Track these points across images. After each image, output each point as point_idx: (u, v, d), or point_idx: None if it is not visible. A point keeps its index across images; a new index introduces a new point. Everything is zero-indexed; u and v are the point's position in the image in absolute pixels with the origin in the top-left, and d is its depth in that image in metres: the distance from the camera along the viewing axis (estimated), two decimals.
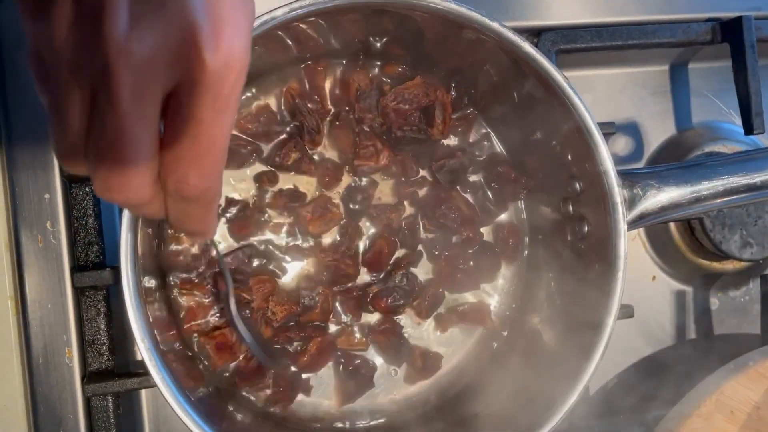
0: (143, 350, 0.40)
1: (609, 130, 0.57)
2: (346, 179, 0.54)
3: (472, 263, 0.55)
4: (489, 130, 0.57)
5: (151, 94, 0.27)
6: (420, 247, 0.55)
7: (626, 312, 0.55)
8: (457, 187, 0.55)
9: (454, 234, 0.55)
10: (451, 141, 0.56)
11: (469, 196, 0.56)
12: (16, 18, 0.50)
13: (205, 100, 0.28)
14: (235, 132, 0.52)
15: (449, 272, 0.55)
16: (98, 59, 0.26)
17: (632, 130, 0.66)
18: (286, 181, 0.53)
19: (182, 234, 0.35)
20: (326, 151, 0.54)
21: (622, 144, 0.66)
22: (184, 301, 0.51)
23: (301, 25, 0.45)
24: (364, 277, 0.54)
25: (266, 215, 0.53)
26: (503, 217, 0.57)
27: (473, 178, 0.56)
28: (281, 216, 0.53)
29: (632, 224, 0.46)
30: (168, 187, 0.29)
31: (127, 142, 0.27)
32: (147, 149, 0.28)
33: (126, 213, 0.40)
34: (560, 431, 0.55)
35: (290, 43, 0.48)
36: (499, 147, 0.57)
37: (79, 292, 0.50)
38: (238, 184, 0.53)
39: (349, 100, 0.53)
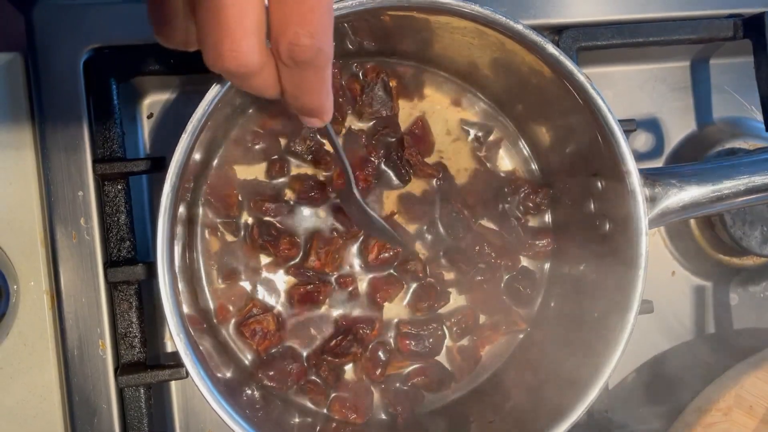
0: (178, 343, 0.42)
1: (630, 127, 0.57)
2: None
3: (507, 291, 0.57)
4: (515, 134, 0.58)
5: None
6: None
7: (646, 307, 0.56)
8: (481, 221, 0.56)
9: (493, 267, 0.56)
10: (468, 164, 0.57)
11: (493, 224, 0.57)
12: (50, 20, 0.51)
13: None
14: (254, 127, 0.53)
15: (483, 300, 0.56)
16: None
17: (653, 126, 0.67)
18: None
19: (302, 116, 0.36)
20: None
21: (643, 140, 0.66)
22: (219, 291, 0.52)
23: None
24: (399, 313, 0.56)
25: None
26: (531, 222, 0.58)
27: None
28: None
29: (653, 222, 0.47)
30: (281, 53, 0.30)
31: (232, 2, 0.28)
32: (253, 10, 0.28)
33: (162, 212, 0.41)
34: (580, 424, 0.56)
35: None
36: (525, 151, 0.58)
37: (111, 286, 0.52)
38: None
39: (354, 94, 0.54)
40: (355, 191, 0.48)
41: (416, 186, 0.56)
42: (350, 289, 0.54)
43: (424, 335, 0.55)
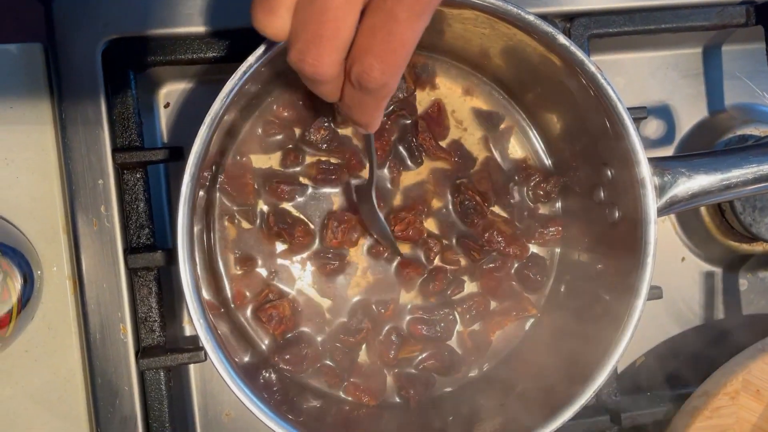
0: (198, 327, 0.43)
1: (641, 114, 0.58)
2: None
3: (518, 278, 0.58)
4: (526, 122, 0.58)
5: None
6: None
7: (655, 293, 0.57)
8: (492, 208, 0.57)
9: (502, 254, 0.57)
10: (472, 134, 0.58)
11: (503, 211, 0.58)
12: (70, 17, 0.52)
13: (406, 1, 0.30)
14: (270, 117, 0.54)
15: (494, 287, 0.57)
16: None
17: (664, 113, 0.67)
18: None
19: (348, 121, 0.40)
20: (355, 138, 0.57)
21: (654, 127, 0.66)
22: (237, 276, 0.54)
23: None
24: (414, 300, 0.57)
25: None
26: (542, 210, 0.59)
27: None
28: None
29: (662, 211, 0.47)
30: (351, 74, 0.33)
31: (332, 18, 0.30)
32: (346, 31, 0.31)
33: (182, 200, 0.43)
34: (589, 407, 0.57)
35: None
36: (536, 139, 0.58)
37: (131, 272, 0.53)
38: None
39: None
40: (373, 193, 0.51)
41: (430, 168, 0.57)
42: (385, 255, 0.56)
43: (435, 320, 0.56)
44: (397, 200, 0.56)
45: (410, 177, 0.57)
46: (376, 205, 0.51)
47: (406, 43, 0.32)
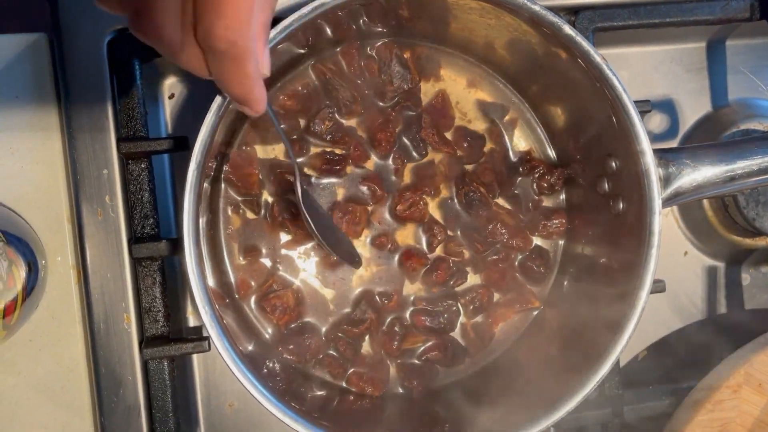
0: (204, 316, 0.43)
1: (645, 108, 0.58)
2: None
3: (521, 270, 0.58)
4: (530, 114, 0.58)
5: None
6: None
7: (658, 287, 0.56)
8: (496, 200, 0.57)
9: (506, 247, 0.57)
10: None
11: (507, 203, 0.58)
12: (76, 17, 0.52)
13: None
14: (275, 107, 0.54)
15: (498, 278, 0.57)
16: None
17: (668, 107, 0.67)
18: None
19: (233, 102, 0.38)
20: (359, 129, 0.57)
21: (658, 121, 0.67)
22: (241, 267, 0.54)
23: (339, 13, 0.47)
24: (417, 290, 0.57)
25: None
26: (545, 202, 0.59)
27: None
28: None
29: (667, 202, 0.48)
30: (198, 39, 0.31)
31: None
32: None
33: (187, 189, 0.43)
34: (591, 400, 0.57)
35: (328, 29, 0.50)
36: (540, 131, 0.58)
37: (136, 262, 0.53)
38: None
39: (372, 74, 0.55)
40: (298, 190, 0.48)
41: (437, 158, 0.57)
42: (389, 246, 0.56)
43: (439, 311, 0.56)
44: (406, 179, 0.57)
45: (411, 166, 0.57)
46: (301, 204, 0.48)
47: None
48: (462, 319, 0.57)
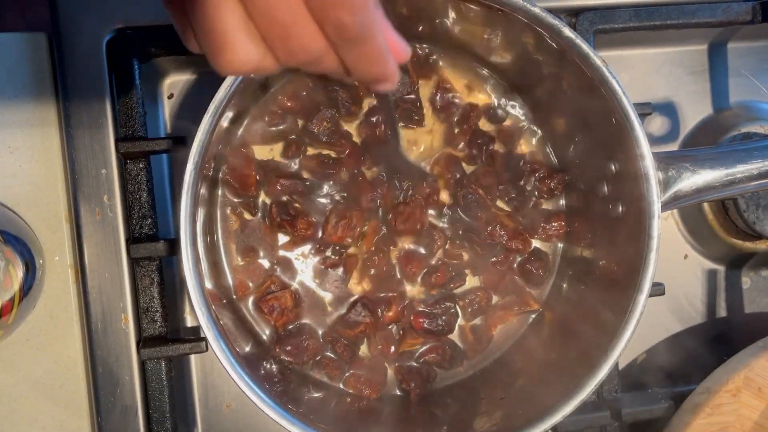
0: (200, 316, 0.43)
1: (646, 110, 0.58)
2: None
3: (520, 272, 0.58)
4: (530, 117, 0.58)
5: None
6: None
7: (657, 290, 0.56)
8: (496, 203, 0.57)
9: (505, 249, 0.57)
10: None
11: (507, 205, 0.58)
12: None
13: None
14: (274, 108, 0.54)
15: (496, 281, 0.57)
16: None
17: (669, 109, 0.67)
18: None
19: (371, 85, 0.37)
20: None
21: (659, 124, 0.66)
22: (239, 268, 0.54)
23: None
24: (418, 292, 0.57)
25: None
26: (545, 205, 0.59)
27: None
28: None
29: (666, 205, 0.47)
30: (330, 36, 0.31)
31: (282, 9, 0.30)
32: (298, 9, 0.30)
33: (185, 189, 0.43)
34: (590, 404, 0.57)
35: None
36: (541, 135, 0.58)
37: (134, 262, 0.53)
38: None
39: None
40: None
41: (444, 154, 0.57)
42: (389, 248, 0.56)
43: (437, 314, 0.56)
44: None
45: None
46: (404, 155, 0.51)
47: None
48: (460, 321, 0.57)
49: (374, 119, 0.55)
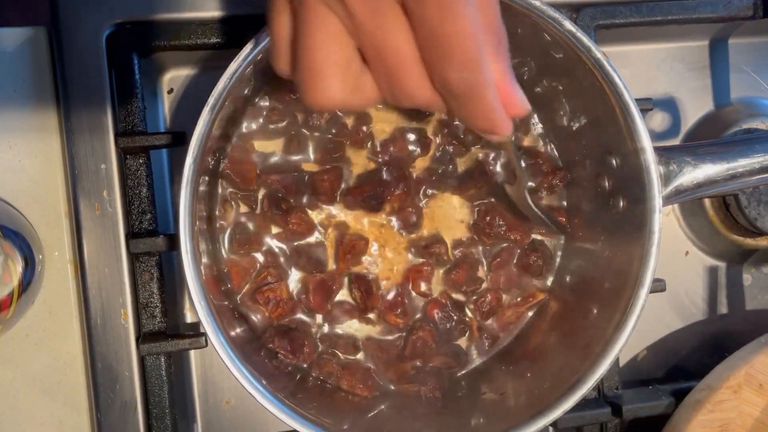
0: (200, 310, 0.43)
1: (646, 106, 0.57)
2: None
3: (522, 264, 0.58)
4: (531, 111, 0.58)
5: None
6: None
7: (658, 286, 0.56)
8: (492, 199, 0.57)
9: (504, 240, 0.57)
10: None
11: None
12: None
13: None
14: (274, 103, 0.54)
15: (500, 277, 0.57)
16: None
17: (669, 105, 0.66)
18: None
19: (481, 134, 0.36)
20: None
21: (659, 120, 0.66)
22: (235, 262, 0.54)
23: None
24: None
25: None
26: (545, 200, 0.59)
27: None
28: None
29: (667, 200, 0.47)
30: (439, 90, 0.32)
31: (391, 53, 0.30)
32: (408, 54, 0.30)
33: (184, 183, 0.42)
34: (590, 400, 0.57)
35: None
36: (541, 128, 0.58)
37: (133, 257, 0.53)
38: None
39: None
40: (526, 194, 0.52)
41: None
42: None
43: (451, 316, 0.55)
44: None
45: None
46: (531, 204, 0.52)
47: (460, 31, 0.29)
48: (468, 320, 0.57)
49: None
